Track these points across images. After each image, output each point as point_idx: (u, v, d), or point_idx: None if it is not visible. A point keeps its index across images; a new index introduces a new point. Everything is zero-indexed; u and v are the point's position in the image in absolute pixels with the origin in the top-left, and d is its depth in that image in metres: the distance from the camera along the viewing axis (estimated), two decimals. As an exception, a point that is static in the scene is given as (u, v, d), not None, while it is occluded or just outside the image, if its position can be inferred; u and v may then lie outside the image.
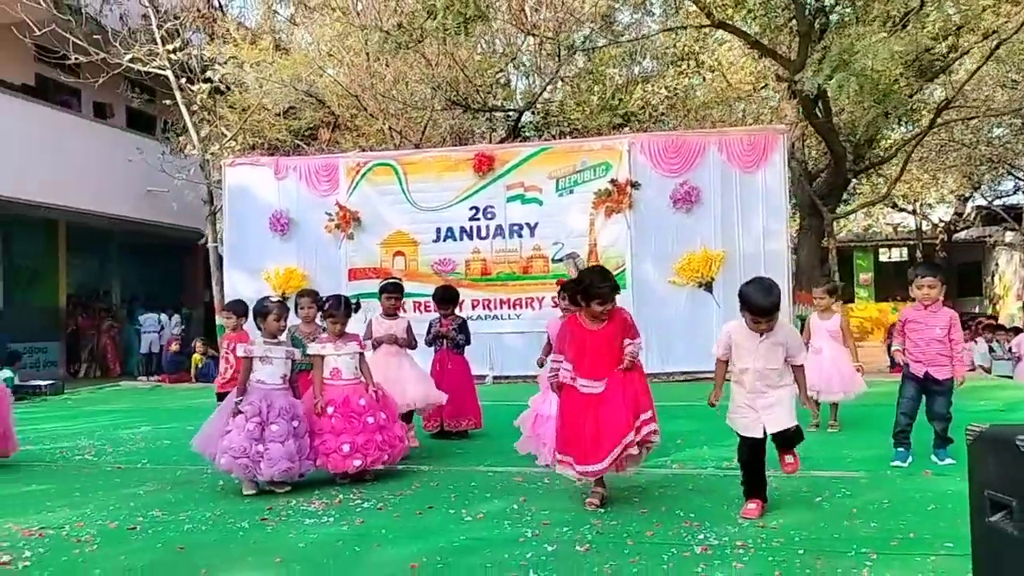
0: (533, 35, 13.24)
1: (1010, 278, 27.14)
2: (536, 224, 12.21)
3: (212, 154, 14.21)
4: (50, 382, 12.60)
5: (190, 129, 14.54)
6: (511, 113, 15.37)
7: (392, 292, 6.53)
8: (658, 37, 13.28)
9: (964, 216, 27.87)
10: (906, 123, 13.87)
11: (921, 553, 3.57)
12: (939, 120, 13.09)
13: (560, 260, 12.13)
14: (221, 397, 7.06)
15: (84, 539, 4.19)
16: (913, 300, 5.77)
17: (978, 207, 27.62)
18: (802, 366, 4.34)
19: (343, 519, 4.46)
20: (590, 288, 4.56)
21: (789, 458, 4.32)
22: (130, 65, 14.35)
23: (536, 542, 3.93)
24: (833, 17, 10.32)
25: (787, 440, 4.29)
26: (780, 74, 11.76)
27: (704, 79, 13.40)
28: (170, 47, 14.28)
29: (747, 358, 4.28)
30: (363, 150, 14.90)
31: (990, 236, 27.28)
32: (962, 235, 27.71)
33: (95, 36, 14.67)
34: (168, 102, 15.08)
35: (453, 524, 4.32)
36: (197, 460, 6.10)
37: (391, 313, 6.47)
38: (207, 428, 5.31)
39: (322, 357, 5.37)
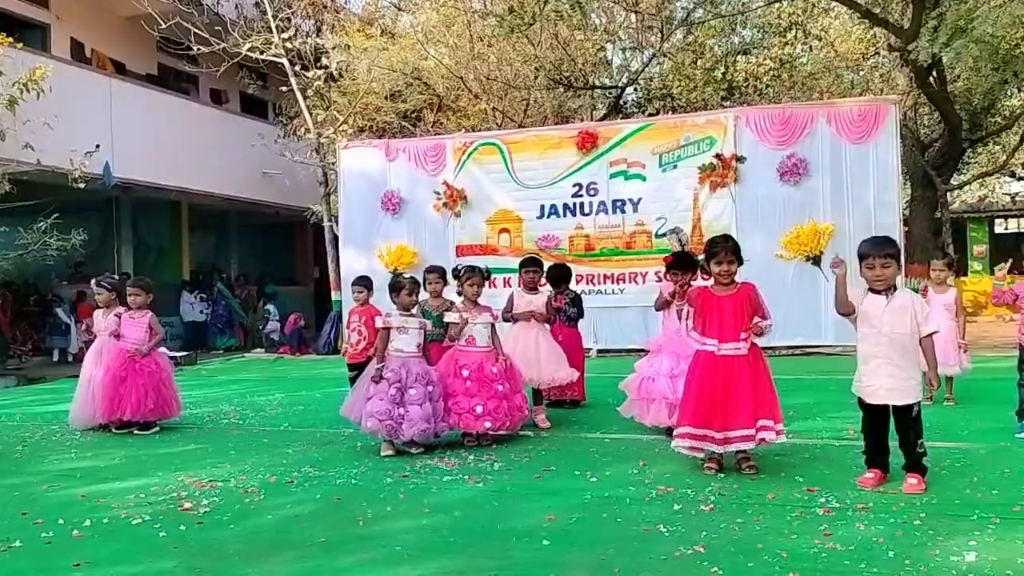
0: (636, 12, 13.31)
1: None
2: (639, 200, 12.34)
3: (327, 137, 14.82)
4: (184, 354, 13.51)
5: (305, 114, 15.20)
6: (612, 90, 15.45)
7: (532, 266, 6.82)
8: (762, 7, 13.14)
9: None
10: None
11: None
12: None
13: (663, 235, 12.21)
14: (351, 367, 7.61)
15: (250, 490, 4.67)
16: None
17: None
18: (931, 338, 4.39)
19: (478, 478, 4.81)
20: (710, 247, 4.84)
21: (912, 480, 4.26)
22: (248, 54, 15.06)
23: (662, 502, 4.18)
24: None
25: (911, 446, 4.32)
26: (892, 44, 11.48)
27: (811, 48, 13.17)
28: (285, 36, 14.92)
29: (874, 323, 4.38)
30: (466, 131, 15.28)
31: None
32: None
33: (215, 27, 15.47)
34: (284, 88, 15.75)
35: (580, 484, 4.61)
36: (335, 424, 6.65)
37: (532, 287, 6.77)
38: (352, 396, 5.76)
39: (459, 324, 5.74)
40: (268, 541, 3.72)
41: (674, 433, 4.89)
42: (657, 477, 4.70)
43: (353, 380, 7.60)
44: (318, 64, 15.60)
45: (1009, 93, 12.68)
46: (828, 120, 11.60)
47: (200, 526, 3.98)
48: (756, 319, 4.75)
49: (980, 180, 23.10)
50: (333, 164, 14.82)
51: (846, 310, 4.49)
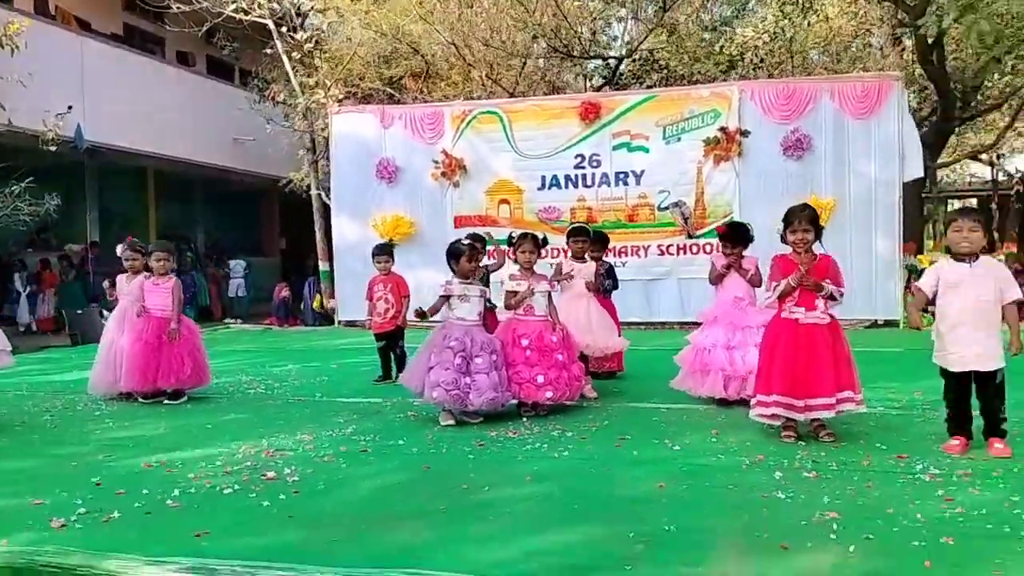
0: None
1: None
2: (642, 172, 12.28)
3: (316, 103, 14.41)
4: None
5: (291, 77, 14.76)
6: (610, 61, 15.31)
7: (580, 235, 6.71)
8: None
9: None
10: (1012, 73, 13.53)
11: None
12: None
13: (666, 208, 12.25)
14: (379, 337, 7.45)
15: (326, 459, 4.53)
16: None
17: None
18: (1015, 306, 4.42)
19: (555, 448, 4.72)
20: (788, 216, 4.88)
21: (999, 444, 4.32)
22: (232, 15, 14.56)
23: (759, 469, 4.15)
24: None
25: (994, 411, 4.38)
26: (901, 19, 11.57)
27: (808, 23, 13.22)
28: (273, -5, 14.45)
29: (960, 290, 4.39)
30: (461, 99, 15.02)
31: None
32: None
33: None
34: (268, 52, 15.27)
35: (665, 453, 4.56)
36: (368, 392, 6.58)
37: (580, 256, 6.66)
38: (412, 365, 5.61)
39: (525, 293, 5.63)
40: (384, 510, 3.59)
41: (754, 401, 4.86)
42: (739, 446, 4.67)
43: (382, 350, 7.52)
44: (306, 26, 15.17)
45: (1002, 72, 12.89)
46: (832, 95, 11.67)
47: (298, 496, 3.82)
48: (827, 281, 4.73)
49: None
50: (323, 131, 14.46)
51: (922, 307, 4.54)
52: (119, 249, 6.99)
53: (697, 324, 6.34)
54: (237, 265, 18.31)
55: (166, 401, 6.50)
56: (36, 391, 7.42)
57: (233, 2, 14.31)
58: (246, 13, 14.54)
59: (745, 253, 6.02)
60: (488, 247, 7.29)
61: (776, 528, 3.22)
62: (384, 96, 16.31)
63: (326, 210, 14.49)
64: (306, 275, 16.32)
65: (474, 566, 2.84)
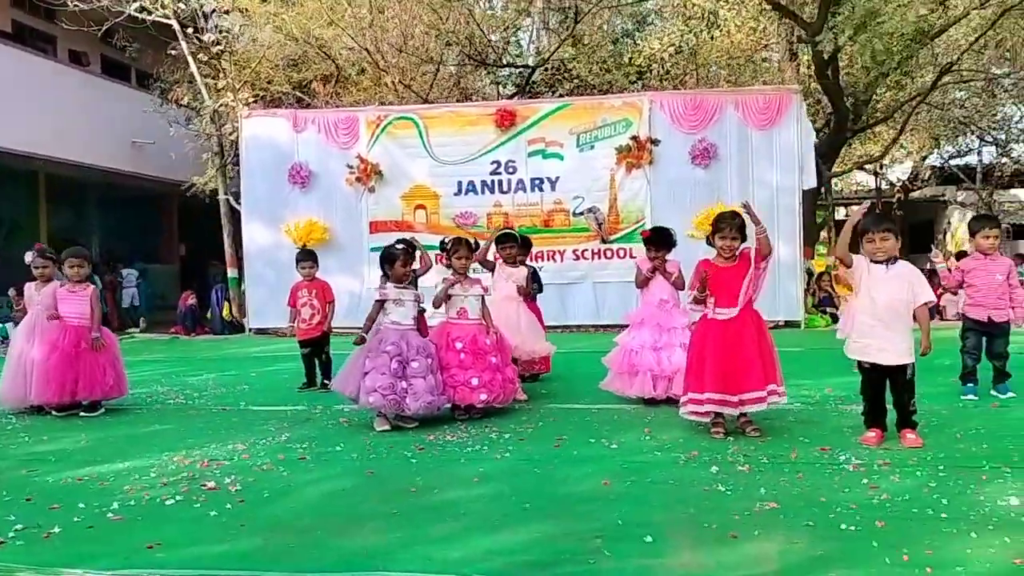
0: (549, -8, 13.49)
1: (961, 236, 28.30)
2: (557, 179, 12.53)
3: (223, 106, 14.05)
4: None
5: (198, 80, 14.35)
6: (523, 70, 15.51)
7: (509, 242, 6.79)
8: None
9: (919, 175, 28.79)
10: (897, 87, 14.43)
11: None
12: (940, 83, 13.74)
13: (581, 214, 12.51)
14: (304, 344, 7.36)
15: (264, 468, 4.46)
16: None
17: (932, 167, 28.56)
18: (926, 308, 4.74)
19: (496, 450, 4.79)
20: (717, 222, 5.09)
21: (911, 435, 4.61)
22: (134, 14, 14.06)
23: (696, 464, 4.32)
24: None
25: (904, 405, 4.68)
26: (802, 36, 12.18)
27: (712, 37, 13.77)
28: (176, -6, 14.03)
29: (873, 292, 4.67)
30: (365, 104, 14.91)
31: (943, 194, 28.44)
32: (916, 194, 28.70)
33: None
34: (172, 52, 14.81)
35: (603, 452, 4.68)
36: (294, 400, 6.51)
37: (511, 261, 6.74)
38: (345, 370, 5.56)
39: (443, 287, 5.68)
40: (336, 515, 3.58)
41: (685, 399, 5.05)
42: (672, 443, 4.84)
43: (307, 357, 7.42)
44: (210, 28, 14.77)
45: (890, 87, 13.72)
46: (736, 107, 12.19)
47: (244, 505, 3.76)
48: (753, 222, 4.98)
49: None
50: (231, 134, 14.11)
51: (847, 259, 4.75)
52: (28, 257, 6.66)
53: (611, 326, 6.54)
54: (129, 274, 17.74)
55: (82, 413, 6.24)
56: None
57: (135, 0, 13.80)
58: (149, 13, 14.06)
59: (668, 257, 6.24)
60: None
61: (722, 519, 3.37)
62: (293, 100, 16.05)
63: (234, 215, 14.15)
64: (207, 282, 15.93)
65: (441, 566, 2.88)
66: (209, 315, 14.58)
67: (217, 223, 14.61)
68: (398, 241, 5.97)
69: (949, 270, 6.63)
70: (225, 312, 14.07)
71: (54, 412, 6.25)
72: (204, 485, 4.09)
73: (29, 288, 6.67)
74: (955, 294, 6.98)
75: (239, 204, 13.65)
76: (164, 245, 23.95)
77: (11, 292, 6.84)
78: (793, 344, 9.85)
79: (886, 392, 4.77)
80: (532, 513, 3.53)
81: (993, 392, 6.10)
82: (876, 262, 4.72)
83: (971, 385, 6.08)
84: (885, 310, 4.66)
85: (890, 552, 2.92)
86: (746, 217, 5.03)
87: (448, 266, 5.93)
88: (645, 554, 2.98)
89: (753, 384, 4.84)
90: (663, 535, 3.20)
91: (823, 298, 13.15)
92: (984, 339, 6.19)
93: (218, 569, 2.90)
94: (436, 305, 5.81)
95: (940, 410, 5.61)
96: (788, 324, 12.12)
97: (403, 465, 4.48)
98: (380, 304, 5.52)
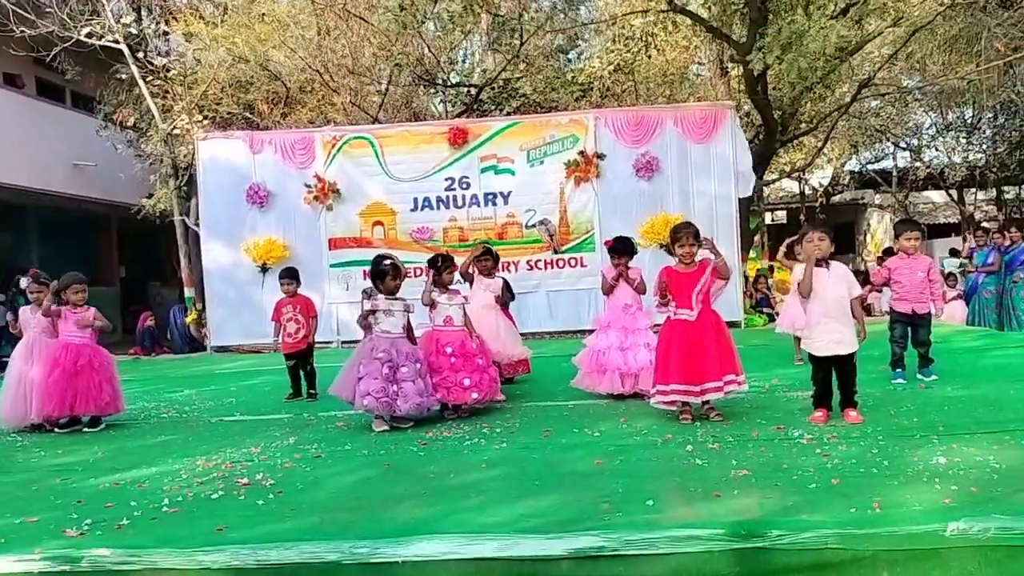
0: (497, 15, 14.09)
1: (880, 237, 29.99)
2: (509, 193, 13.15)
3: (177, 128, 14.28)
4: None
5: (149, 102, 14.53)
6: (471, 88, 16.13)
7: (485, 256, 7.38)
8: (607, 16, 14.42)
9: (840, 180, 30.38)
10: (821, 99, 15.50)
11: (968, 434, 4.79)
12: (859, 96, 14.85)
13: (533, 226, 13.16)
14: (290, 357, 7.78)
15: (286, 466, 4.91)
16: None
17: (851, 172, 30.17)
18: (858, 300, 5.48)
19: (492, 442, 5.33)
20: (675, 232, 5.77)
21: (853, 413, 5.32)
22: (84, 39, 14.19)
23: (672, 445, 4.94)
24: (778, 3, 11.60)
25: (849, 386, 5.40)
26: (733, 55, 13.07)
27: (649, 57, 14.60)
28: (126, 20, 14.21)
29: (819, 291, 5.39)
30: (313, 125, 15.31)
31: (863, 198, 30.11)
32: (837, 198, 30.27)
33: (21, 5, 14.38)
34: (122, 76, 14.96)
35: (587, 439, 5.27)
36: (286, 409, 6.96)
37: (487, 273, 7.30)
38: (341, 377, 6.04)
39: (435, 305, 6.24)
40: (373, 497, 4.07)
41: (656, 390, 5.68)
42: (647, 429, 5.46)
43: (292, 369, 7.85)
44: (158, 52, 14.98)
45: (812, 101, 14.76)
46: (675, 122, 13.01)
47: (284, 495, 4.21)
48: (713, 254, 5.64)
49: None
50: (185, 156, 14.34)
51: (807, 294, 5.45)
52: (23, 282, 6.96)
53: (565, 332, 7.16)
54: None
55: (85, 429, 6.57)
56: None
57: (85, 26, 13.94)
58: (99, 38, 14.21)
59: (630, 264, 6.89)
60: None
61: (705, 484, 3.99)
62: (242, 121, 16.32)
63: (189, 235, 14.36)
64: (147, 302, 16.00)
65: (483, 527, 3.41)
66: (168, 335, 14.72)
67: (157, 243, 14.83)
68: (382, 257, 6.47)
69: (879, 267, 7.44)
70: (190, 320, 14.22)
71: (57, 429, 6.56)
72: (238, 482, 4.52)
73: (24, 312, 6.95)
74: (880, 291, 7.79)
75: (195, 224, 13.87)
76: (104, 267, 23.71)
77: (8, 316, 7.09)
78: (737, 342, 10.59)
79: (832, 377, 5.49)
80: (543, 487, 4.09)
81: (919, 376, 6.91)
82: (818, 265, 5.44)
83: (900, 371, 6.88)
84: (834, 307, 5.38)
85: (846, 500, 3.57)
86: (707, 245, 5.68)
87: (436, 281, 6.44)
88: (649, 512, 3.57)
89: (711, 376, 5.50)
90: (660, 498, 3.80)
91: (760, 299, 14.07)
92: (909, 329, 7.01)
93: (293, 540, 3.36)
94: (425, 302, 6.33)
95: (875, 393, 6.35)
96: (730, 324, 12.88)
97: (414, 457, 5.00)
98: (371, 312, 6.02)
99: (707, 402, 5.66)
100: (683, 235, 5.74)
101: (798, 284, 5.59)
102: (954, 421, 5.17)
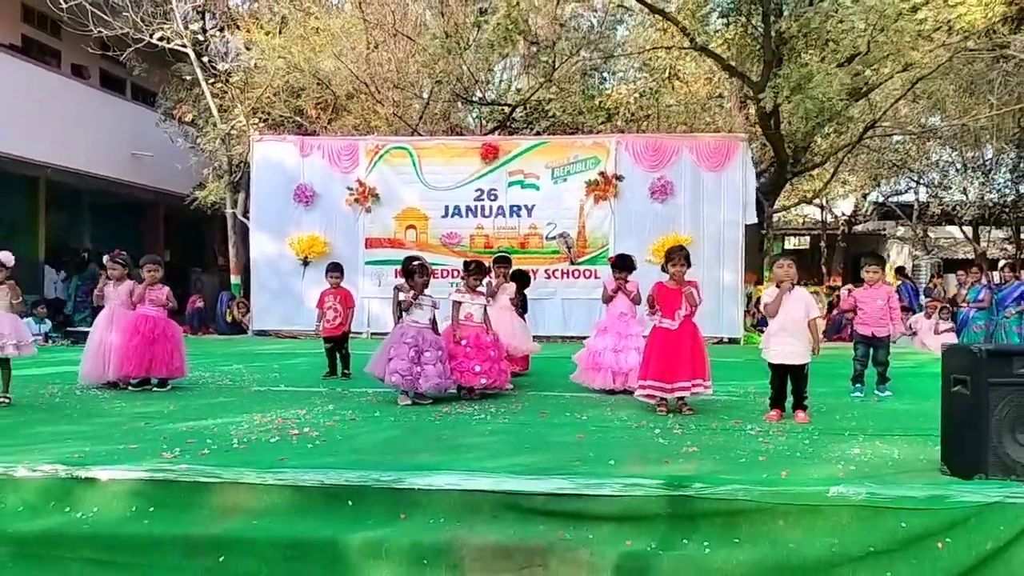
0: (535, 43, 15.24)
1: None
2: (533, 206, 14.27)
3: (235, 128, 15.56)
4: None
5: (210, 104, 15.84)
6: (505, 108, 17.29)
7: (502, 263, 8.53)
8: (636, 48, 15.55)
9: (863, 211, 31.14)
10: (835, 134, 16.45)
11: (889, 435, 5.78)
12: (867, 134, 15.81)
13: (553, 238, 14.24)
14: (327, 340, 8.92)
15: (329, 424, 6.02)
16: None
17: (874, 203, 30.92)
18: (816, 321, 6.50)
19: (496, 418, 6.42)
20: (669, 254, 6.80)
21: (802, 414, 6.32)
22: (155, 43, 15.52)
23: (644, 428, 5.99)
24: (792, 48, 12.61)
25: (800, 392, 6.41)
26: (747, 93, 14.08)
27: (672, 87, 15.62)
28: (195, 27, 15.53)
29: (784, 309, 6.41)
30: (356, 131, 16.51)
31: (884, 229, 30.89)
32: (859, 228, 31.04)
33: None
34: (187, 77, 16.27)
35: (577, 421, 6.33)
36: (323, 384, 8.06)
37: (505, 279, 8.42)
38: (375, 357, 7.16)
39: (460, 303, 7.36)
40: (400, 447, 5.17)
41: (638, 384, 6.74)
42: (627, 416, 6.52)
43: (329, 351, 8.99)
44: (219, 56, 16.29)
45: (824, 136, 15.73)
46: (691, 150, 14.03)
47: (327, 443, 5.32)
48: (692, 290, 6.70)
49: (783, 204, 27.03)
50: (241, 154, 15.61)
51: (774, 315, 6.47)
52: (105, 259, 8.16)
53: (578, 337, 8.19)
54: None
55: (155, 389, 7.74)
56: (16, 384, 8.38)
57: (158, 30, 15.27)
58: (168, 41, 15.54)
59: (629, 278, 7.94)
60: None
61: (658, 454, 5.04)
62: (292, 124, 17.59)
63: (237, 227, 15.63)
64: (188, 286, 17.24)
65: (484, 468, 4.50)
66: (216, 317, 15.98)
67: (202, 232, 16.08)
68: (412, 258, 7.57)
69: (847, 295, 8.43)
70: (229, 316, 15.49)
71: (131, 386, 7.73)
72: (290, 432, 5.64)
73: (108, 286, 8.14)
74: (849, 319, 8.77)
75: (245, 217, 15.12)
76: (150, 250, 24.98)
77: (100, 285, 8.16)
78: (733, 356, 11.63)
79: (787, 384, 6.52)
80: (532, 450, 5.16)
81: (876, 391, 7.89)
82: (779, 285, 6.47)
83: (859, 385, 7.86)
84: (791, 323, 6.40)
85: (763, 469, 4.61)
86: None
87: (466, 283, 7.57)
88: (608, 468, 4.63)
89: (682, 377, 6.55)
90: (620, 460, 4.86)
91: (761, 319, 15.02)
92: (870, 350, 7.99)
93: (339, 470, 4.46)
94: (490, 296, 7.50)
95: (832, 403, 7.34)
96: (730, 341, 13.94)
97: (431, 424, 6.10)
98: (407, 304, 7.13)
99: (682, 399, 6.70)
100: (676, 256, 6.80)
101: (765, 306, 6.62)
102: (884, 426, 6.17)
